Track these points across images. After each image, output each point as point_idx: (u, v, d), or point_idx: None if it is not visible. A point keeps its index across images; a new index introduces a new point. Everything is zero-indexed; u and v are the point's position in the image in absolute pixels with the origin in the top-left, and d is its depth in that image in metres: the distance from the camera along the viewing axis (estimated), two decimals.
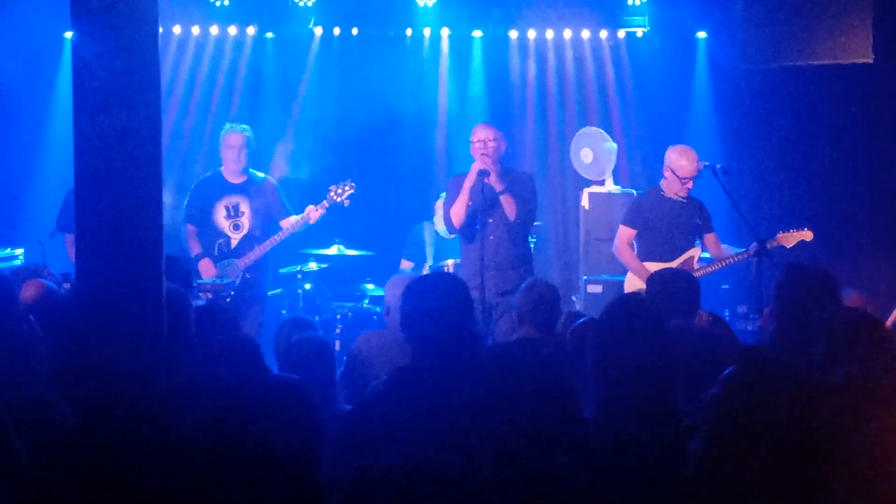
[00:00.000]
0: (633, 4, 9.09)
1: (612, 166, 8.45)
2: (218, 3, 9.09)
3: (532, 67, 9.42)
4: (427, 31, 9.38)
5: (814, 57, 8.64)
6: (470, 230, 6.87)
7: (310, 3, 9.10)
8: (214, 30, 9.26)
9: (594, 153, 8.44)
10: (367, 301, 8.28)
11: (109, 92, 3.25)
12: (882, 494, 2.75)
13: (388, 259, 8.65)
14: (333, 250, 8.26)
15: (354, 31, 9.35)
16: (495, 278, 6.78)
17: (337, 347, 7.48)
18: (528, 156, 9.33)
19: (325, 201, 7.48)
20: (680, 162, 7.00)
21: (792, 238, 6.93)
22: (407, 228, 8.75)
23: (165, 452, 2.63)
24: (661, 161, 7.20)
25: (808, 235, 6.94)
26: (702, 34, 9.16)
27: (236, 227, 7.57)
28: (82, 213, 3.27)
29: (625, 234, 7.16)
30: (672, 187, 7.06)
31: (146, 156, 3.31)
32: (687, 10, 9.07)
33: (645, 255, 7.06)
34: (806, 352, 3.69)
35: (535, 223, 7.31)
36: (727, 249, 7.15)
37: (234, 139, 7.56)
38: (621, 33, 9.26)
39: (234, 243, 7.53)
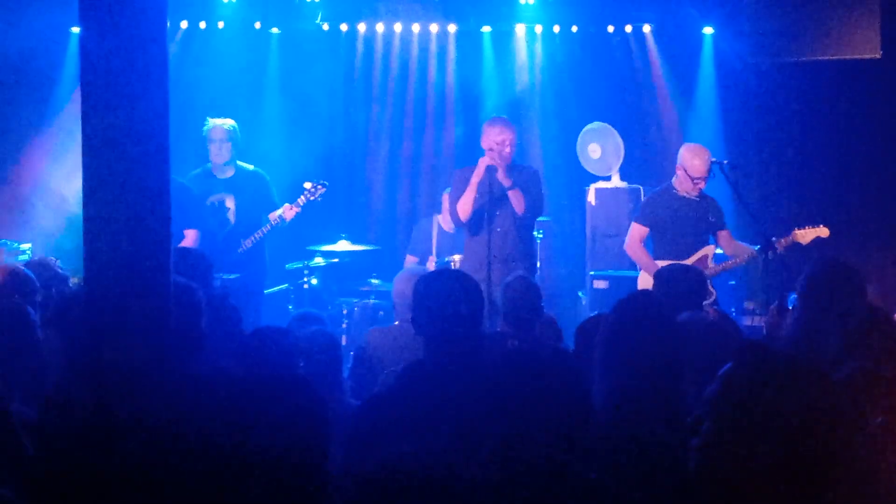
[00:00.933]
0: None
1: (619, 162, 8.43)
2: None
3: (539, 62, 9.41)
4: (434, 27, 9.37)
5: (821, 52, 8.62)
6: (476, 224, 6.86)
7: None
8: (221, 25, 9.26)
9: (602, 149, 8.43)
10: (373, 297, 8.28)
11: (116, 88, 3.25)
12: (886, 494, 2.74)
13: (394, 254, 8.65)
14: (340, 246, 8.26)
15: (361, 26, 9.35)
16: (501, 272, 6.77)
17: (343, 343, 7.50)
18: (535, 150, 9.32)
19: (300, 198, 7.48)
20: (693, 161, 6.97)
21: (808, 235, 6.90)
22: (413, 223, 8.75)
23: (173, 449, 2.63)
24: (668, 157, 7.20)
25: (824, 232, 6.91)
26: (709, 30, 9.14)
27: (220, 224, 7.58)
28: (90, 209, 3.27)
29: (637, 231, 7.14)
30: (684, 185, 7.03)
31: (153, 152, 3.30)
32: (694, 5, 9.05)
33: (658, 254, 7.02)
34: (820, 347, 3.68)
35: (540, 218, 7.30)
36: (742, 245, 7.11)
37: (216, 133, 7.56)
38: (628, 28, 9.24)
39: (218, 240, 7.51)
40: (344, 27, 9.34)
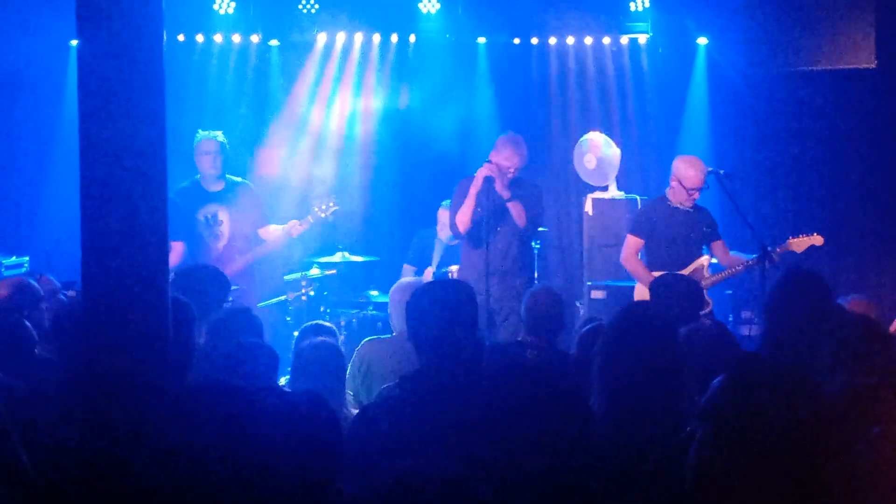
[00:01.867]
0: (636, 10, 9.09)
1: (615, 172, 8.44)
2: (222, 11, 9.10)
3: (536, 74, 9.43)
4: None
5: (816, 62, 8.65)
6: (475, 235, 6.86)
7: (314, 11, 9.11)
8: (219, 38, 9.27)
9: (598, 159, 8.44)
10: (371, 308, 8.28)
11: (114, 100, 3.27)
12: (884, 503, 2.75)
13: (393, 265, 8.65)
14: (338, 257, 8.26)
15: (358, 36, 9.35)
16: (499, 284, 6.79)
17: None
18: (531, 161, 9.31)
19: (308, 217, 7.48)
20: (687, 172, 6.99)
21: (802, 243, 6.93)
22: (412, 234, 8.76)
23: (170, 463, 2.62)
24: (664, 167, 7.20)
25: (818, 240, 6.94)
26: (703, 40, 9.17)
27: (216, 238, 7.52)
28: (87, 220, 3.28)
29: (632, 243, 7.15)
30: (678, 196, 7.05)
31: (151, 164, 3.32)
32: (689, 15, 9.08)
33: (653, 265, 7.02)
34: (801, 359, 3.69)
35: (539, 229, 7.32)
36: (736, 256, 7.13)
37: (207, 146, 7.48)
38: (624, 39, 9.27)
39: (214, 254, 7.44)
40: (341, 37, 9.34)
